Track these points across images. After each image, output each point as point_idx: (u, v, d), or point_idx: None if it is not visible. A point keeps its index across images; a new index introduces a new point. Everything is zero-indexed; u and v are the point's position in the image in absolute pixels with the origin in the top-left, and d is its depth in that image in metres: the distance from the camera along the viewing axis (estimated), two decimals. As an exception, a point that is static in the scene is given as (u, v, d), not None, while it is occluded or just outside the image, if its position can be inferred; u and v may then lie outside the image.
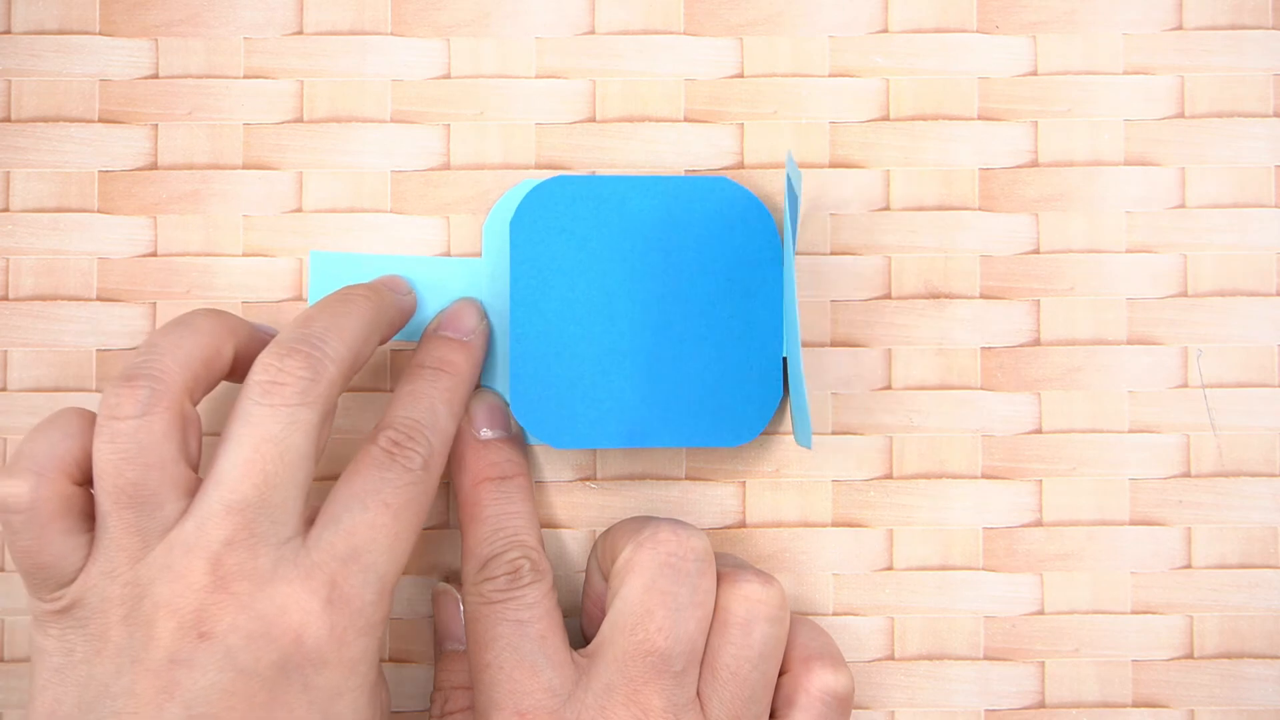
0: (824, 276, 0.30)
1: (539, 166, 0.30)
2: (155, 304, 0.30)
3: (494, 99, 0.30)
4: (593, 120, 0.30)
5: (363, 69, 0.30)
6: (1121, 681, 0.30)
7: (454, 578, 0.29)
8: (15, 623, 0.29)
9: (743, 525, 0.30)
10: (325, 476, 0.28)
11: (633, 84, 0.30)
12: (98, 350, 0.30)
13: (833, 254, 0.30)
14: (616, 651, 0.25)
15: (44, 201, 0.30)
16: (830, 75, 0.30)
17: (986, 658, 0.30)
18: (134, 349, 0.29)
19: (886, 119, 0.30)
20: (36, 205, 0.30)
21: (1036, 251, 0.30)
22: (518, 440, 0.29)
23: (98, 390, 0.29)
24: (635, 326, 0.28)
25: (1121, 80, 0.30)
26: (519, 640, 0.26)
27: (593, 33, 0.30)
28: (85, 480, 0.24)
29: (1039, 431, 0.30)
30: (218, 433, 0.25)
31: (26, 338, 0.30)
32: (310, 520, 0.25)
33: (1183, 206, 0.30)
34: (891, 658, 0.30)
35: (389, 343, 0.29)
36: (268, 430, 0.24)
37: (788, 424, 0.30)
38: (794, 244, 0.28)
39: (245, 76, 0.30)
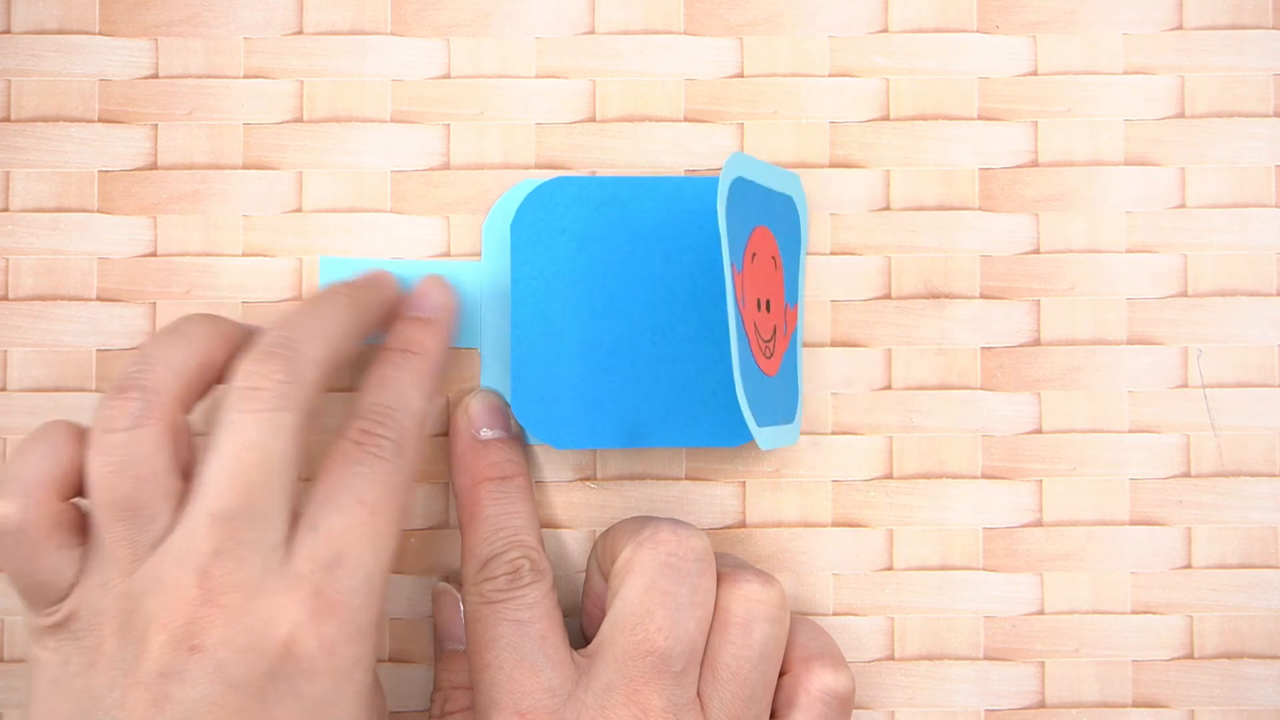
0: (824, 276, 0.30)
1: (539, 166, 0.30)
2: (155, 304, 0.30)
3: (494, 99, 0.30)
4: (593, 120, 0.30)
5: (363, 69, 0.30)
6: (1121, 682, 0.30)
7: (454, 578, 0.29)
8: (15, 622, 0.29)
9: (743, 525, 0.30)
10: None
11: (633, 84, 0.30)
12: (98, 350, 0.30)
13: (833, 254, 0.30)
14: (616, 651, 0.25)
15: (44, 201, 0.30)
16: (830, 75, 0.30)
17: (986, 658, 0.30)
18: (132, 350, 0.29)
19: (886, 119, 0.30)
20: (36, 205, 0.30)
21: (1036, 251, 0.30)
22: (518, 440, 0.29)
23: (98, 390, 0.30)
24: (635, 327, 0.28)
25: (1121, 80, 0.30)
26: (519, 640, 0.26)
27: (593, 33, 0.30)
28: (74, 494, 0.24)
29: (1039, 431, 0.30)
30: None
31: (26, 338, 0.30)
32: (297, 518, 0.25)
33: (1183, 206, 0.30)
34: (891, 658, 0.30)
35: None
36: (248, 437, 0.23)
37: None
38: (733, 250, 0.26)
39: (245, 76, 0.30)
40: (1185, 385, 0.30)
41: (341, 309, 0.26)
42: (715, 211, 0.28)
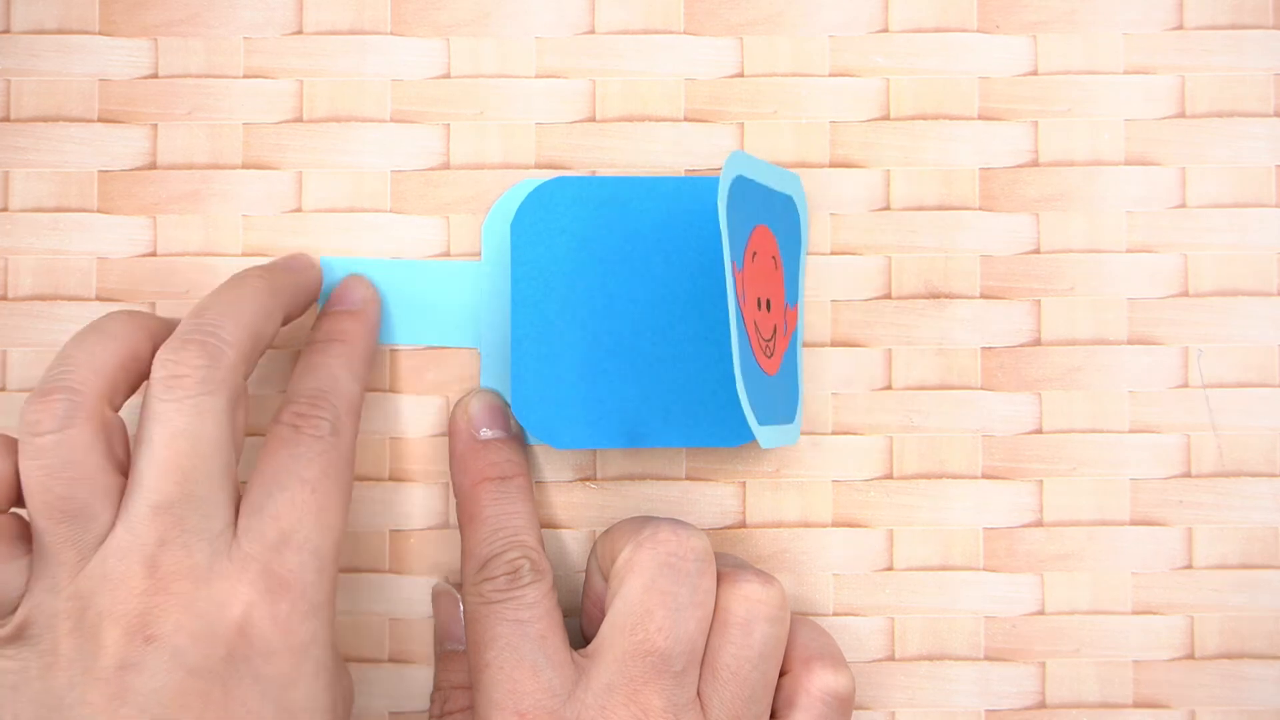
0: (824, 276, 0.30)
1: (539, 166, 0.30)
2: (155, 304, 0.30)
3: (494, 99, 0.30)
4: (593, 120, 0.30)
5: (362, 69, 0.30)
6: (1122, 682, 0.30)
7: (454, 577, 0.29)
8: None
9: (743, 525, 0.30)
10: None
11: (633, 84, 0.30)
12: (97, 350, 0.30)
13: (833, 254, 0.30)
14: (616, 651, 0.25)
15: (43, 201, 0.30)
16: (830, 75, 0.30)
17: (987, 658, 0.30)
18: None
19: (887, 119, 0.30)
20: (36, 205, 0.30)
21: (1037, 251, 0.30)
22: (518, 440, 0.29)
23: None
24: (635, 327, 0.28)
25: (1122, 80, 0.30)
26: (519, 640, 0.26)
27: (593, 32, 0.30)
28: (10, 504, 0.24)
29: (1039, 431, 0.30)
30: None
31: (26, 338, 0.30)
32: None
33: (1183, 206, 0.30)
34: (892, 658, 0.30)
35: (394, 346, 0.29)
36: (176, 425, 0.24)
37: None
38: (732, 249, 0.26)
39: (245, 76, 0.30)
40: (1185, 385, 0.30)
41: (257, 291, 0.26)
42: (715, 211, 0.28)
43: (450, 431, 0.29)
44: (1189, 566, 0.30)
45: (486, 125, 0.30)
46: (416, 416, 0.30)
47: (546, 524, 0.30)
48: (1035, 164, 0.30)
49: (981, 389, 0.30)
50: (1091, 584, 0.30)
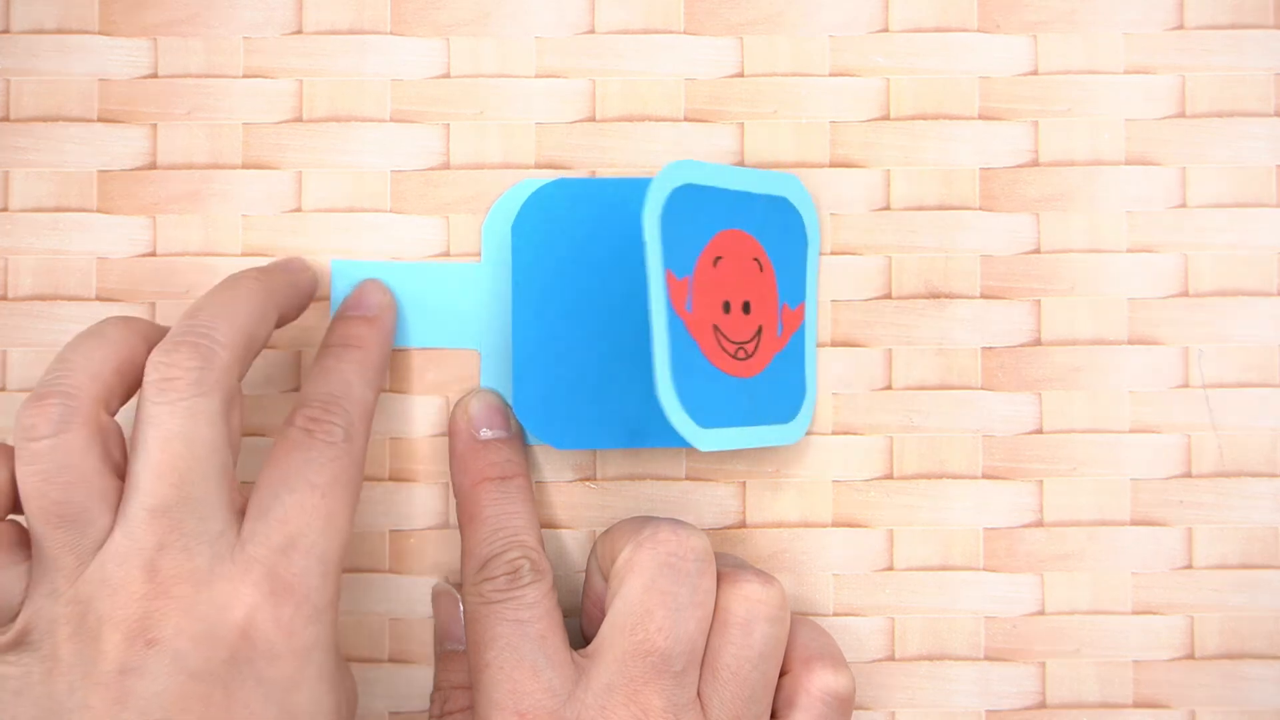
0: (824, 276, 0.30)
1: (539, 166, 0.30)
2: (155, 304, 0.30)
3: (494, 99, 0.30)
4: (592, 120, 0.30)
5: (362, 68, 0.30)
6: (1122, 682, 0.30)
7: (454, 577, 0.29)
8: None
9: (743, 525, 0.30)
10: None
11: (633, 84, 0.30)
12: (97, 350, 0.30)
13: (833, 254, 0.30)
14: (616, 651, 0.25)
15: (43, 201, 0.30)
16: (830, 75, 0.30)
17: (987, 658, 0.30)
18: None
19: (887, 119, 0.30)
20: (36, 205, 0.30)
21: (1037, 251, 0.30)
22: (518, 440, 0.29)
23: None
24: (636, 327, 0.28)
25: (1122, 80, 0.30)
26: (519, 640, 0.26)
27: (593, 32, 0.30)
28: (8, 511, 0.24)
29: (1039, 431, 0.30)
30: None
31: (26, 338, 0.30)
32: (242, 510, 0.24)
33: (1183, 206, 0.30)
34: (892, 658, 0.30)
35: (395, 346, 0.29)
36: (170, 428, 0.23)
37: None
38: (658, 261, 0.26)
39: (245, 76, 0.30)
40: (1186, 385, 0.30)
41: (252, 292, 0.26)
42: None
43: (450, 431, 0.29)
44: (1189, 566, 0.30)
45: (486, 125, 0.30)
46: (417, 416, 0.30)
47: (546, 524, 0.30)
48: (1035, 164, 0.30)
49: (982, 389, 0.30)
50: (1091, 584, 0.30)
